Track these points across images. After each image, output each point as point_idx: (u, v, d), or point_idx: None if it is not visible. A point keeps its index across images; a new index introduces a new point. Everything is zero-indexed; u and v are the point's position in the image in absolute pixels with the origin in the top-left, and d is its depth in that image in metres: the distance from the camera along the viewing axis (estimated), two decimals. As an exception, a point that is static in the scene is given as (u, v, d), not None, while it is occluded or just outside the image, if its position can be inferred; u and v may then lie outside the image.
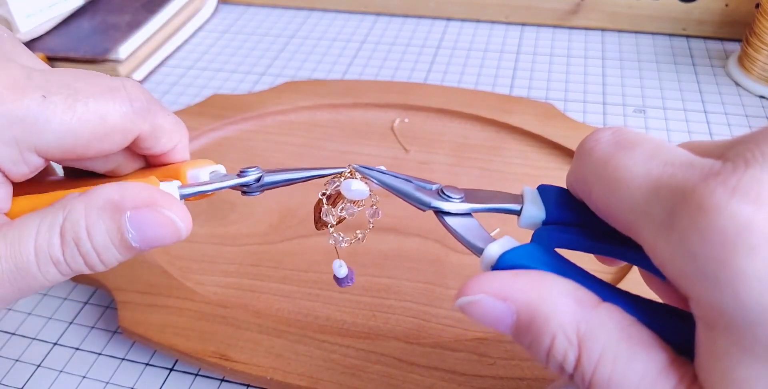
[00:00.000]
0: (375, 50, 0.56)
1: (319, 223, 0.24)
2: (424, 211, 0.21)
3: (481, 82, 0.51)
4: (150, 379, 0.31)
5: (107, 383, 0.31)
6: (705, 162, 0.15)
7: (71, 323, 0.34)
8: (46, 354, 0.33)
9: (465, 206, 0.21)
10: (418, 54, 0.56)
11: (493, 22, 0.60)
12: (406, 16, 0.61)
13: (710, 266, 0.14)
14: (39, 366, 0.32)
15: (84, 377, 0.31)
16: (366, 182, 0.23)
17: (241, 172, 0.23)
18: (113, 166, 0.24)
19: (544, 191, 0.21)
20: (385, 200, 0.40)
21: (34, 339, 0.33)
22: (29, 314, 0.35)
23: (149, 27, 0.54)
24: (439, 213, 0.21)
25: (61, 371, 0.32)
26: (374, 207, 0.24)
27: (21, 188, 0.21)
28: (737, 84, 0.50)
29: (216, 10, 0.64)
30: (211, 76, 0.54)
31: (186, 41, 0.59)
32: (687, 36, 0.56)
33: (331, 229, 0.24)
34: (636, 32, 0.57)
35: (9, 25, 0.52)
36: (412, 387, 0.28)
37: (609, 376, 0.16)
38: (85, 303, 0.35)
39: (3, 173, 0.20)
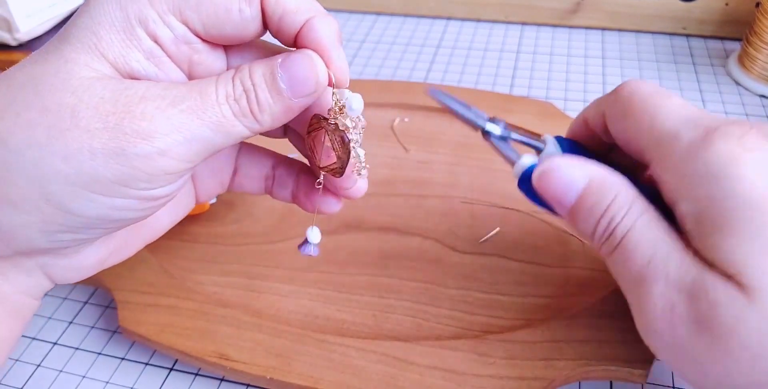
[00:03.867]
0: (375, 50, 0.56)
1: (316, 130, 0.25)
2: (476, 131, 0.27)
3: (481, 81, 0.51)
4: (150, 379, 0.31)
5: (107, 383, 0.31)
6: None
7: (71, 323, 0.34)
8: (46, 354, 0.33)
9: (506, 133, 0.27)
10: (418, 53, 0.56)
11: (493, 21, 0.60)
12: (406, 15, 0.61)
13: (719, 168, 0.21)
14: (39, 365, 0.32)
15: (84, 377, 0.31)
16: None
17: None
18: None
19: (559, 139, 0.28)
20: (385, 200, 0.40)
21: (33, 338, 0.33)
22: (29, 314, 0.35)
23: (149, 27, 0.54)
24: (487, 134, 0.27)
25: (60, 371, 0.32)
26: (359, 119, 0.25)
27: None
28: (737, 83, 0.49)
29: (216, 9, 0.64)
30: (211, 76, 0.54)
31: (186, 41, 0.59)
32: (687, 35, 0.56)
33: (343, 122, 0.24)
34: (636, 31, 0.57)
35: (9, 25, 0.52)
36: (411, 387, 0.28)
37: (648, 224, 0.22)
38: (85, 302, 0.35)
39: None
